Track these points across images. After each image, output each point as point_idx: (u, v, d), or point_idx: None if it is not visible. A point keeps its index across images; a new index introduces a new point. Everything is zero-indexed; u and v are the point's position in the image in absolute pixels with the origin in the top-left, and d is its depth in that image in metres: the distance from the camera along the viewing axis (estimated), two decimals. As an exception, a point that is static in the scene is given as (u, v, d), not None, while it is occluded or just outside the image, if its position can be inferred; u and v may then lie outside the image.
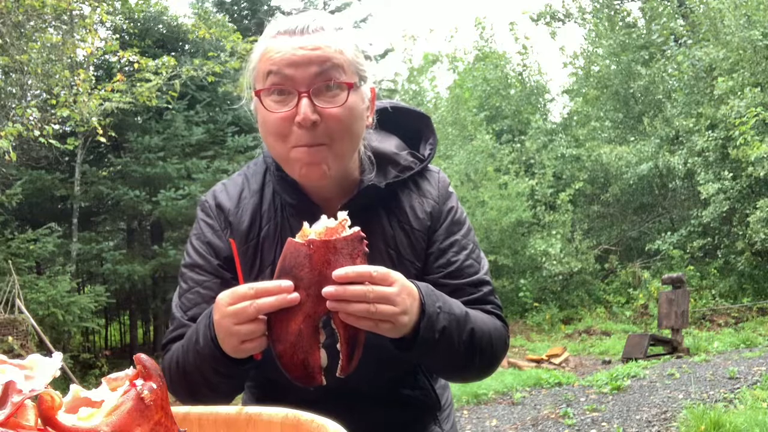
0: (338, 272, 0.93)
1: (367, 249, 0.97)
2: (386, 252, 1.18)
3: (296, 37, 1.08)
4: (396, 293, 0.96)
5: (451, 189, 1.27)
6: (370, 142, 1.22)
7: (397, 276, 0.98)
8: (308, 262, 0.93)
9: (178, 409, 0.83)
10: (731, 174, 11.98)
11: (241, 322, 0.96)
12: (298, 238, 0.95)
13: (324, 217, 0.97)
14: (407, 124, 1.30)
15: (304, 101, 1.05)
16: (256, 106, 1.13)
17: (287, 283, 0.93)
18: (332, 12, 18.71)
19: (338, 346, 0.97)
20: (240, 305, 0.95)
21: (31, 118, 7.79)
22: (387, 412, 1.24)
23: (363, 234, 0.96)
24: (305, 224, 0.96)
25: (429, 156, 1.26)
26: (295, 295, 0.93)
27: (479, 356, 1.13)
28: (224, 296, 0.98)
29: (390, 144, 1.25)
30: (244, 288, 0.96)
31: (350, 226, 0.96)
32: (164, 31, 12.96)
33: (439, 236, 1.21)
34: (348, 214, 0.97)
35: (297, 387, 1.01)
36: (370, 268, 0.95)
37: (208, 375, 1.07)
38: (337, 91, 1.08)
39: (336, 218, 0.96)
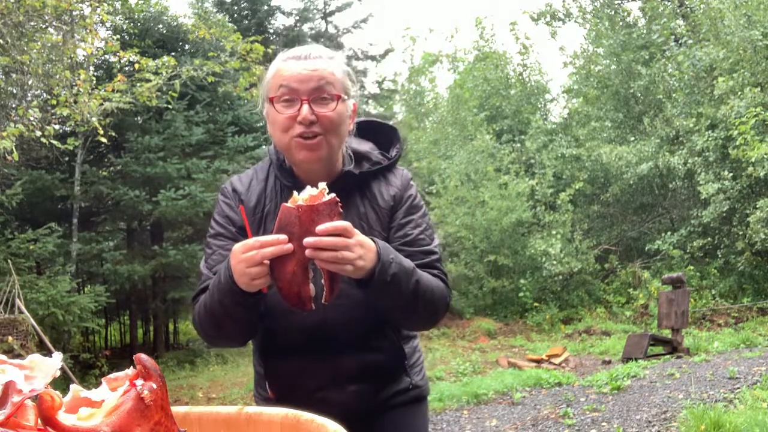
0: (320, 227, 1.25)
1: (341, 210, 1.28)
2: (359, 224, 1.51)
3: (301, 61, 1.50)
4: (355, 244, 1.30)
5: (412, 183, 1.66)
6: (350, 144, 1.62)
7: (356, 231, 1.31)
8: (298, 221, 1.25)
9: (178, 409, 0.84)
10: (731, 174, 11.96)
11: (250, 266, 1.30)
12: (290, 204, 1.27)
13: (308, 187, 1.30)
14: (381, 132, 1.71)
15: (305, 106, 1.46)
16: (268, 109, 1.53)
17: (283, 237, 1.26)
18: (332, 12, 18.75)
19: (322, 281, 1.30)
20: (250, 253, 1.29)
21: (31, 118, 7.78)
22: (361, 358, 1.56)
23: (338, 199, 1.27)
24: (294, 192, 1.29)
25: (396, 156, 1.66)
26: (289, 245, 1.26)
27: (423, 305, 1.47)
28: (238, 246, 1.34)
29: (366, 146, 1.66)
30: (252, 240, 1.31)
31: (328, 194, 1.26)
32: (164, 31, 12.92)
33: (399, 215, 1.59)
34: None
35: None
36: (341, 222, 1.27)
37: (228, 306, 1.41)
38: (329, 101, 1.49)
39: (318, 188, 1.28)
